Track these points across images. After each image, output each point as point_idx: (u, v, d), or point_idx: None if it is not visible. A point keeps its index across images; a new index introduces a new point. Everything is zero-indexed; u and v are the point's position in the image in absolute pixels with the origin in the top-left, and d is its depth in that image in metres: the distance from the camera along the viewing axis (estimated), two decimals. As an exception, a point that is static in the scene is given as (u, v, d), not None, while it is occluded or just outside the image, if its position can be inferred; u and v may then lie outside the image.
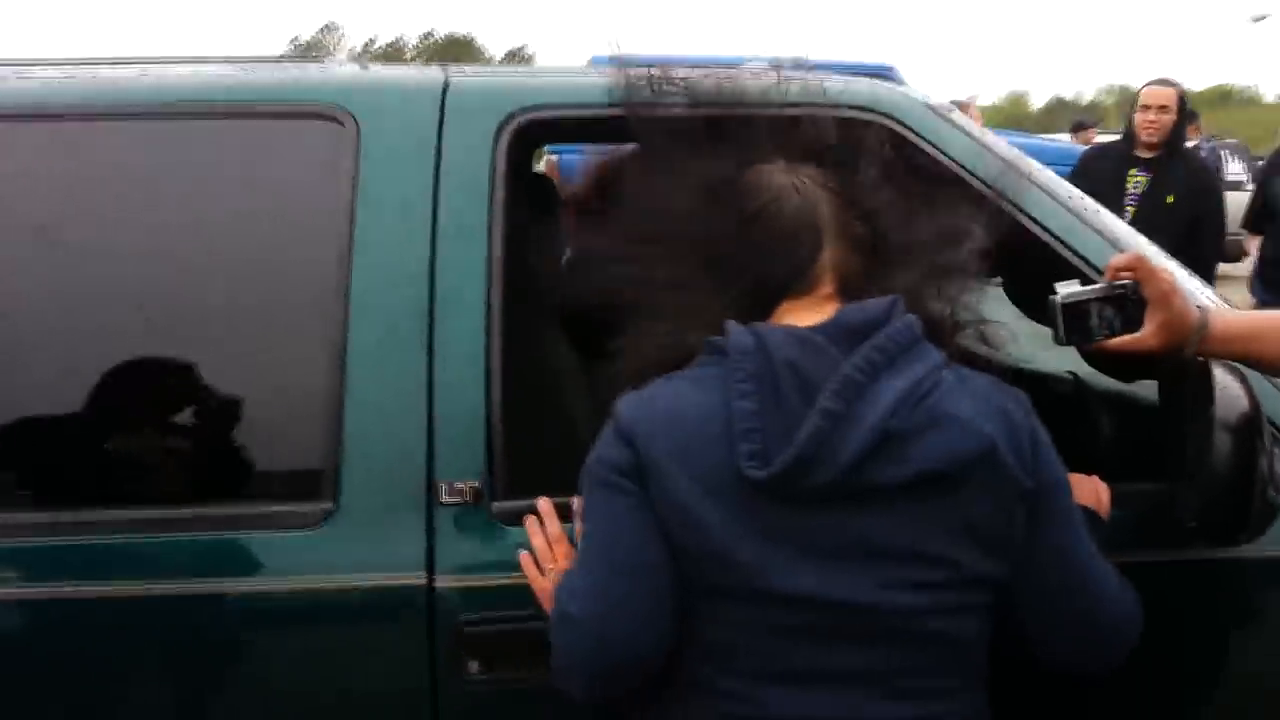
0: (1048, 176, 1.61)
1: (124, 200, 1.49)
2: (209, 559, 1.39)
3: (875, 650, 1.09)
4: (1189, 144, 4.83)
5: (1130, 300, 1.34)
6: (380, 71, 1.68)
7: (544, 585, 1.28)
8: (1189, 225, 4.19)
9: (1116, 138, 4.81)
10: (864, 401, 1.07)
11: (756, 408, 1.08)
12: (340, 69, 1.74)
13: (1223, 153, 10.16)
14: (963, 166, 1.52)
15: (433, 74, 1.60)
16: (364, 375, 1.41)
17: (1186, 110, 4.51)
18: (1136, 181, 4.40)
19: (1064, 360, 1.79)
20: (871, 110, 1.53)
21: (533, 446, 1.46)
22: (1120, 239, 1.54)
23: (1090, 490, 1.33)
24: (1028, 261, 1.57)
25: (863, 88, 1.57)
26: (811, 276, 1.19)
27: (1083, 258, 1.49)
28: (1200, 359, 1.32)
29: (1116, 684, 1.28)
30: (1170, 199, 4.28)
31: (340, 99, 1.53)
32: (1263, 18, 37.97)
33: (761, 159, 1.29)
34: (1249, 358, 1.33)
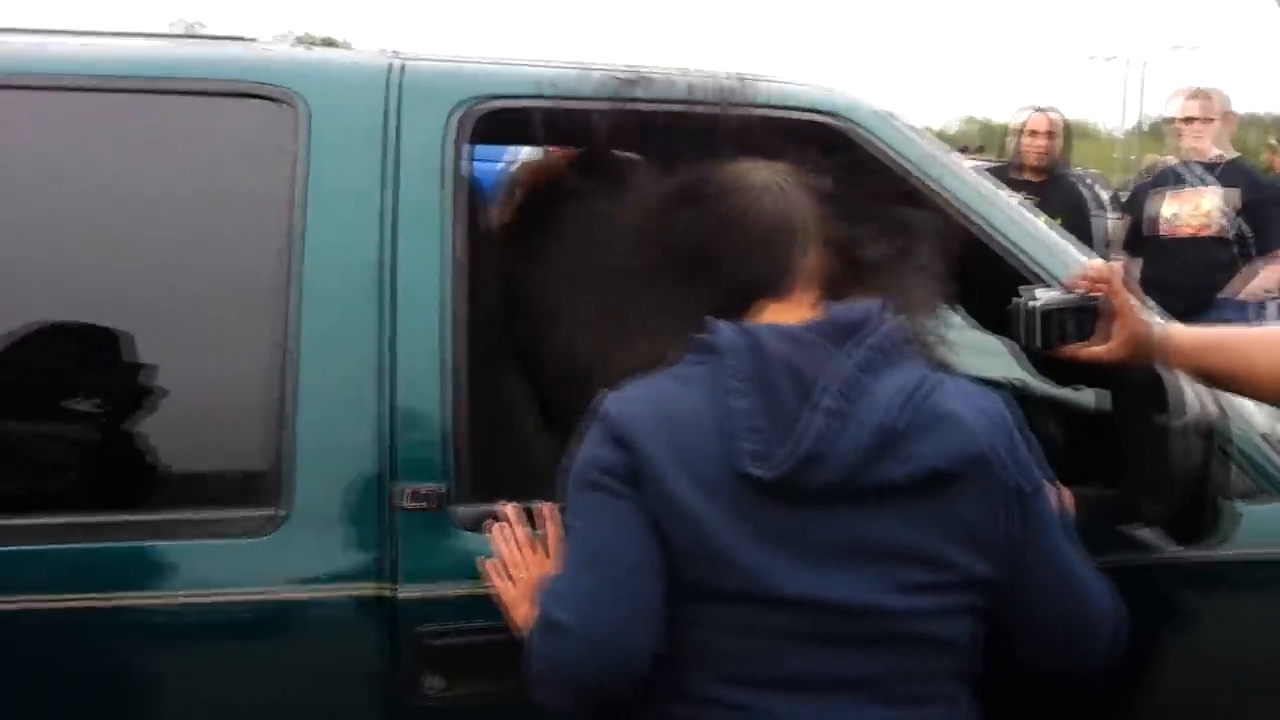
0: (991, 185, 1.64)
1: (50, 179, 1.36)
2: (148, 568, 1.28)
3: (873, 654, 1.08)
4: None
5: (1097, 311, 1.39)
6: (328, 52, 1.59)
7: (512, 594, 1.22)
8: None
9: (987, 163, 5.01)
10: (866, 399, 1.06)
11: (755, 406, 1.06)
12: (285, 48, 1.64)
13: (1088, 179, 10.76)
14: (918, 172, 1.53)
15: (384, 57, 1.52)
16: (315, 370, 1.32)
17: (1069, 136, 4.74)
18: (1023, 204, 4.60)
19: (1001, 368, 1.83)
20: (829, 114, 1.53)
21: (497, 447, 1.40)
22: (1067, 250, 1.58)
23: (1052, 495, 1.36)
24: (978, 271, 1.61)
25: (817, 92, 1.57)
26: (791, 278, 1.17)
27: (1039, 267, 1.52)
28: (1152, 367, 1.37)
29: (1094, 683, 1.30)
30: (1058, 220, 4.49)
31: (287, 79, 1.44)
32: (1111, 58, 40.51)
33: (736, 158, 1.27)
34: (1204, 369, 1.38)
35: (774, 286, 1.17)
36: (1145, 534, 1.45)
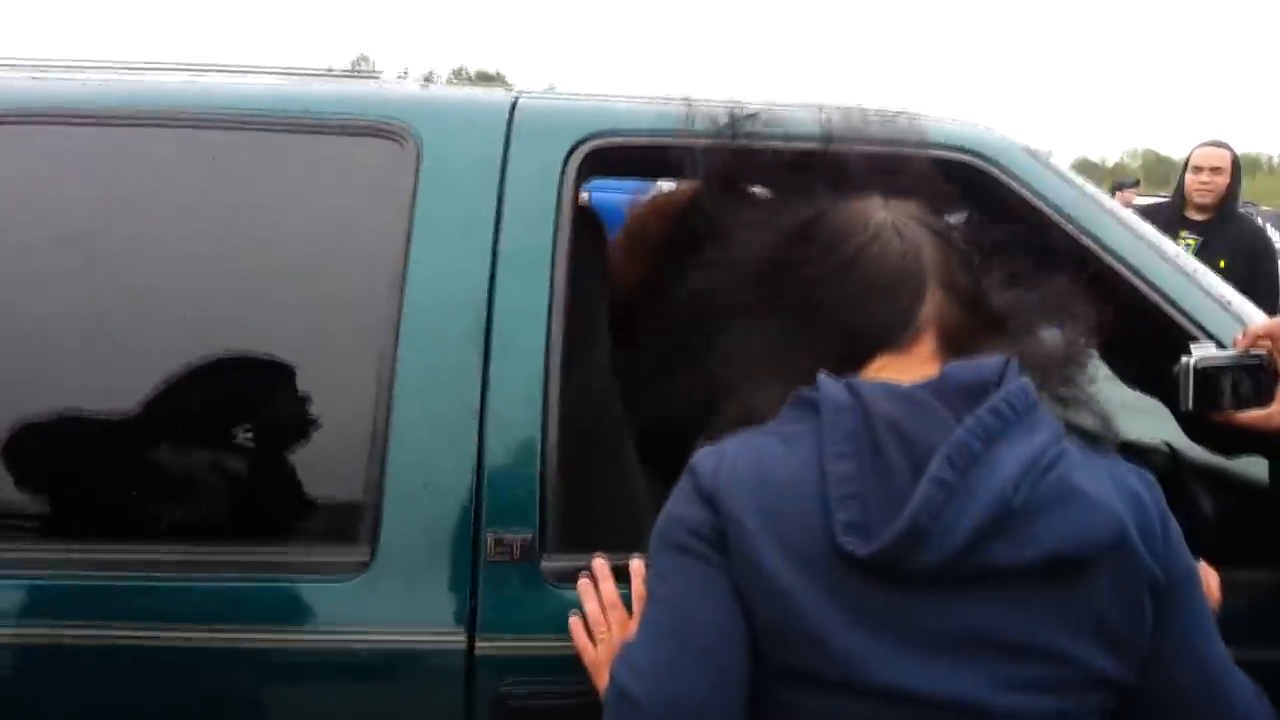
0: (1152, 232, 1.50)
1: (164, 213, 1.39)
2: (230, 606, 1.27)
3: None
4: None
5: (1264, 371, 1.29)
6: (444, 90, 1.59)
7: (595, 656, 1.16)
8: (1241, 290, 4.06)
9: (1157, 199, 4.73)
10: (982, 471, 0.94)
11: (855, 471, 0.96)
12: (401, 85, 1.65)
13: (1259, 220, 10.01)
14: (1067, 218, 1.41)
15: (499, 94, 1.51)
16: (410, 412, 1.30)
17: (1239, 173, 4.41)
18: (1186, 244, 4.30)
19: (1156, 429, 1.67)
20: (971, 153, 1.43)
21: (589, 498, 1.34)
22: (1232, 303, 1.42)
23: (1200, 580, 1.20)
24: (1131, 324, 1.46)
25: (960, 129, 1.47)
26: (911, 330, 1.06)
27: (1195, 322, 1.37)
28: None
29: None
30: (1222, 263, 4.16)
31: (401, 115, 1.44)
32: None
33: (856, 197, 1.18)
34: None
35: (890, 338, 1.06)
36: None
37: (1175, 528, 1.02)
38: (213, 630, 1.25)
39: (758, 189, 1.50)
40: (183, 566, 1.27)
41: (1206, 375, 1.30)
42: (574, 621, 1.19)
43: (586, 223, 2.01)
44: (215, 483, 1.36)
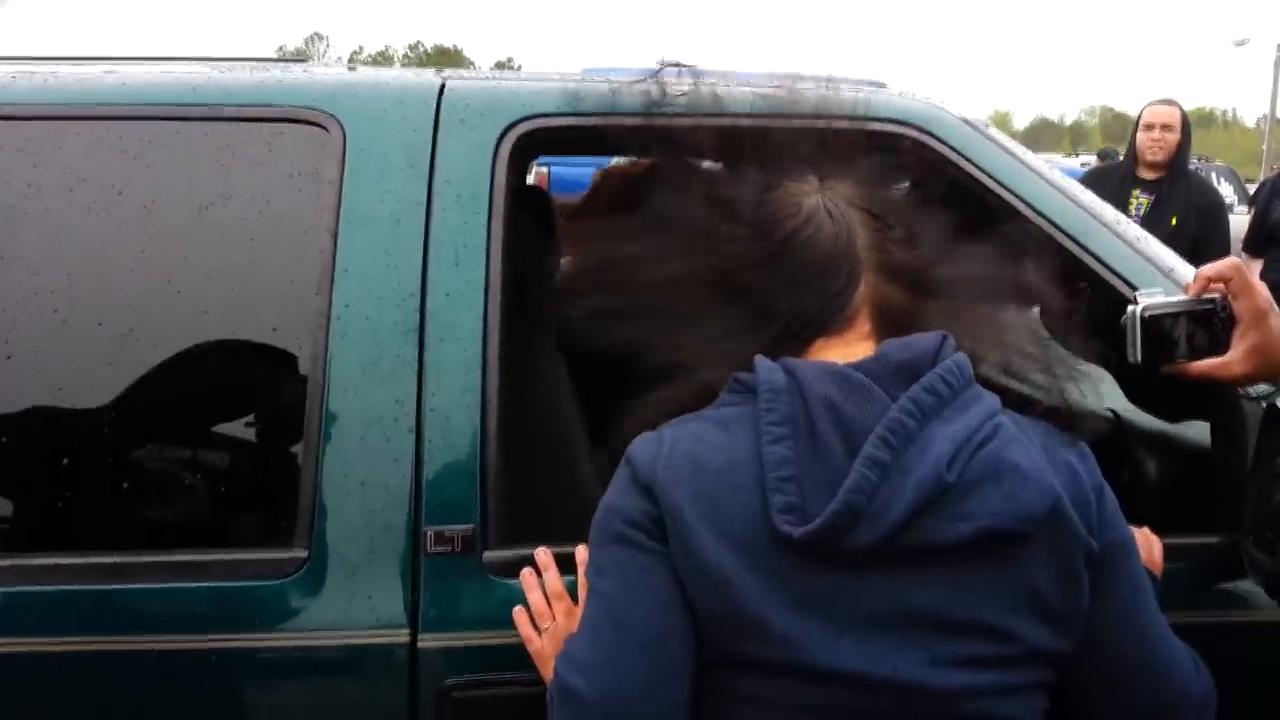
0: (1093, 199, 1.49)
1: (80, 210, 1.34)
2: (165, 611, 1.24)
3: None
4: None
5: (1219, 318, 1.21)
6: (369, 74, 1.54)
7: (540, 647, 1.15)
8: (1192, 247, 4.10)
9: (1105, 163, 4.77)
10: (915, 449, 0.94)
11: (791, 454, 0.95)
12: (325, 70, 1.60)
13: (1212, 175, 10.10)
14: (1005, 187, 1.40)
15: (427, 77, 1.47)
16: (344, 406, 1.27)
17: (1189, 131, 4.44)
18: (1139, 202, 4.33)
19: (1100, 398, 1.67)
20: (905, 123, 1.41)
21: (531, 489, 1.32)
22: (1174, 270, 1.41)
23: (1141, 544, 1.21)
24: (1072, 291, 1.46)
25: (893, 99, 1.45)
26: (847, 312, 1.05)
27: (1132, 287, 1.37)
28: (1277, 407, 1.20)
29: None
30: (1174, 220, 4.20)
31: (324, 102, 1.39)
32: (1244, 41, 38.33)
33: (789, 175, 1.16)
34: None
35: (826, 321, 1.05)
36: (1248, 588, 1.29)
37: (1110, 498, 1.02)
38: (148, 636, 1.22)
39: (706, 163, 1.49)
40: (113, 572, 1.24)
41: (1155, 323, 1.22)
42: (518, 612, 1.18)
43: (530, 203, 1.99)
44: (144, 485, 1.32)
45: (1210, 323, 1.21)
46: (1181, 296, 1.24)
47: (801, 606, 0.94)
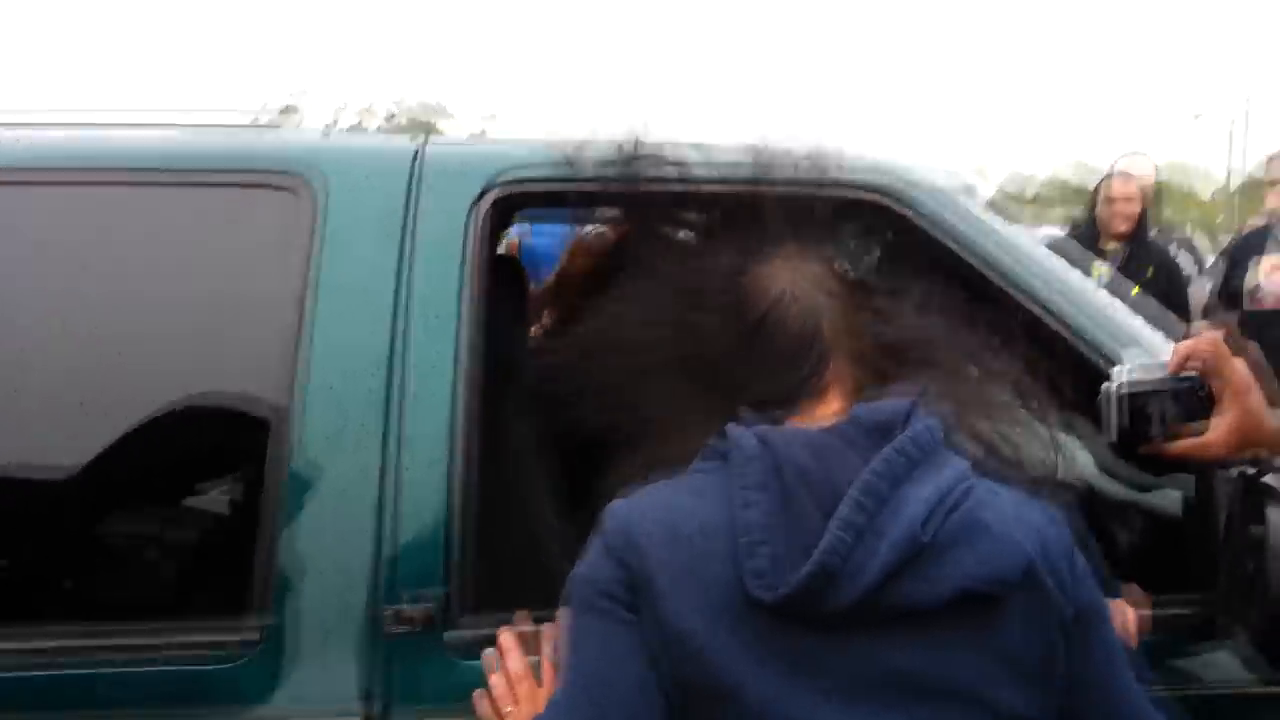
0: (1063, 267, 1.50)
1: (38, 276, 1.31)
2: (113, 693, 1.18)
3: None
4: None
5: (1197, 394, 1.18)
6: (344, 137, 1.54)
7: None
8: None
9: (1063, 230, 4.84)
10: (889, 511, 0.93)
11: (764, 519, 0.94)
12: (299, 133, 1.60)
13: (1171, 246, 10.30)
14: (977, 255, 1.40)
15: (403, 141, 1.47)
16: (307, 478, 1.24)
17: (1157, 196, 4.54)
18: (1100, 274, 4.40)
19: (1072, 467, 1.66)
20: (881, 192, 1.42)
21: (501, 561, 1.29)
22: (1143, 339, 1.42)
23: (1116, 614, 1.19)
24: (1044, 360, 1.46)
25: (870, 166, 1.45)
26: (818, 390, 1.06)
27: (1106, 357, 1.37)
28: (1249, 474, 1.20)
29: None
30: (1135, 290, 4.27)
31: (297, 166, 1.38)
32: (1199, 116, 39.62)
33: (760, 251, 1.17)
34: None
35: (796, 401, 1.06)
36: (1228, 658, 1.28)
37: (1082, 562, 1.01)
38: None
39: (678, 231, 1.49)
40: (59, 655, 1.18)
41: (1133, 401, 1.20)
42: (478, 696, 1.13)
43: (503, 270, 1.98)
44: (94, 561, 1.27)
45: (1189, 400, 1.19)
46: (1160, 373, 1.22)
47: (778, 672, 0.92)
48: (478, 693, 1.13)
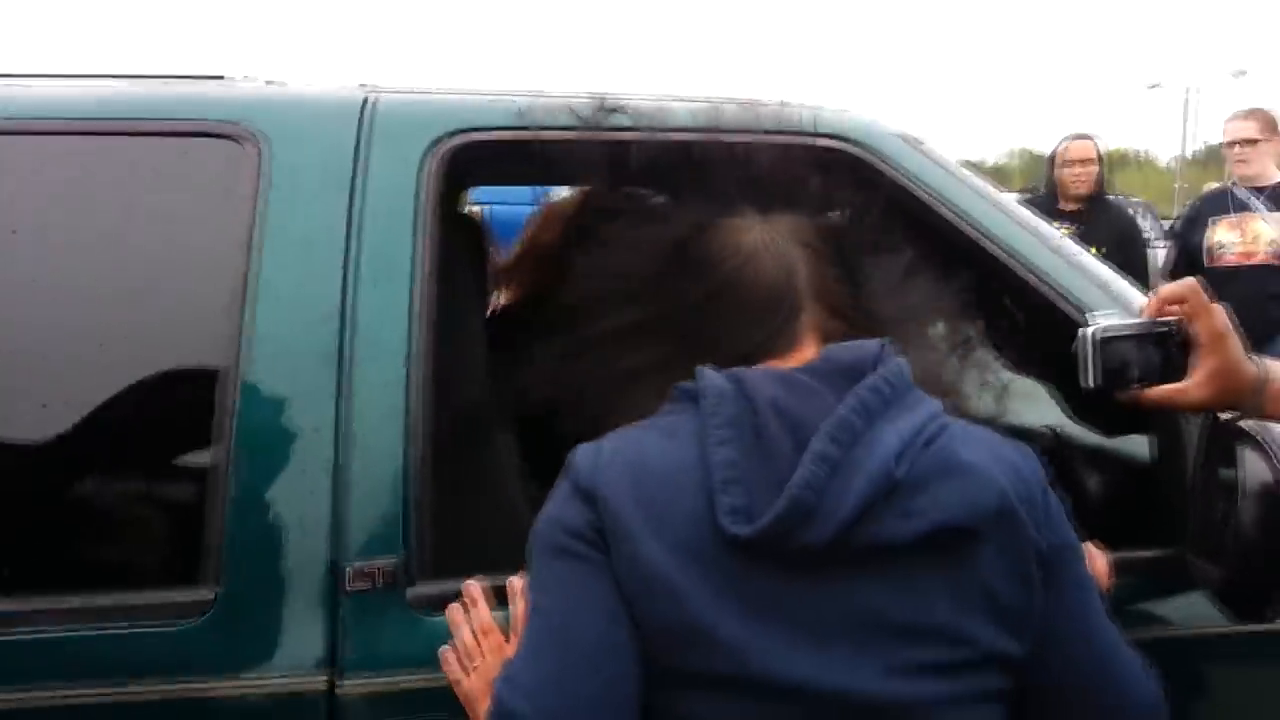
0: (1029, 215, 1.49)
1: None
2: (61, 660, 1.13)
3: None
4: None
5: (1174, 341, 1.17)
6: (290, 88, 1.48)
7: (469, 686, 1.08)
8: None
9: (1033, 196, 4.89)
10: (863, 446, 0.91)
11: (738, 456, 0.92)
12: (243, 84, 1.53)
13: (1137, 209, 10.44)
14: (945, 203, 1.38)
15: (351, 91, 1.41)
16: (256, 431, 1.19)
17: (1104, 163, 4.58)
18: (1064, 234, 4.43)
19: (1039, 414, 1.66)
20: (846, 139, 1.39)
21: (464, 516, 1.26)
22: (1110, 284, 1.41)
23: (1087, 559, 1.18)
24: (1012, 307, 1.45)
25: (834, 116, 1.43)
26: (790, 340, 1.05)
27: (1074, 304, 1.36)
28: (1220, 417, 1.19)
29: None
30: (1101, 250, 4.30)
31: (241, 116, 1.33)
32: (1156, 85, 40.06)
33: (728, 205, 1.15)
34: None
35: (769, 351, 1.04)
36: (1196, 603, 1.28)
37: (1055, 500, 1.00)
38: (43, 688, 1.12)
39: (641, 190, 1.45)
40: (4, 622, 1.13)
41: (1110, 347, 1.17)
42: (445, 651, 1.10)
43: (462, 226, 1.93)
44: (37, 523, 1.21)
45: (1167, 346, 1.17)
46: (1136, 319, 1.20)
47: (752, 613, 0.90)
48: (444, 649, 1.10)
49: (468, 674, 1.08)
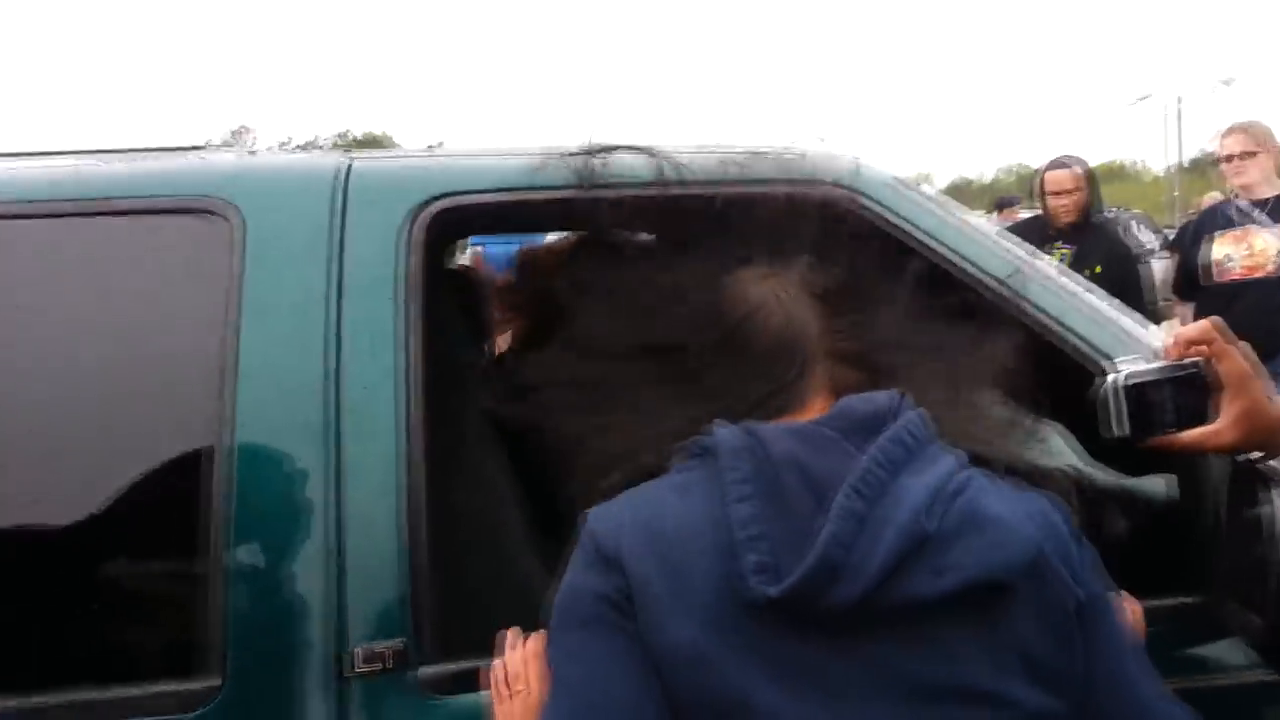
0: (1028, 253, 1.45)
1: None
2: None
3: None
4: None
5: (1199, 382, 1.13)
6: (269, 158, 1.45)
7: (509, 709, 1.01)
8: (1115, 293, 4.14)
9: (1035, 214, 4.86)
10: (889, 500, 0.87)
11: (759, 513, 0.88)
12: (221, 156, 1.51)
13: (1131, 222, 10.41)
14: (942, 245, 1.35)
15: (331, 159, 1.38)
16: (253, 517, 1.16)
17: (1095, 182, 4.55)
18: (1062, 254, 4.39)
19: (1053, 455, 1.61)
20: (840, 186, 1.37)
21: (472, 590, 1.21)
22: (1114, 320, 1.36)
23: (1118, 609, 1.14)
24: (1017, 348, 1.41)
25: (828, 162, 1.40)
26: (800, 397, 1.01)
27: (1083, 340, 1.31)
28: (1239, 459, 1.14)
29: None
30: (1097, 268, 4.27)
31: (219, 189, 1.30)
32: (1146, 96, 40.31)
33: (734, 254, 1.12)
34: None
35: (777, 408, 1.00)
36: (1232, 651, 1.23)
37: (1089, 550, 0.96)
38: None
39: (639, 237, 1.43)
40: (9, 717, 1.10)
41: (1139, 393, 1.14)
42: (496, 665, 1.04)
43: (450, 283, 1.90)
44: (37, 620, 1.17)
45: (1194, 388, 1.14)
46: (1159, 363, 1.17)
47: (786, 678, 0.85)
48: (495, 662, 1.04)
49: (511, 697, 1.02)
